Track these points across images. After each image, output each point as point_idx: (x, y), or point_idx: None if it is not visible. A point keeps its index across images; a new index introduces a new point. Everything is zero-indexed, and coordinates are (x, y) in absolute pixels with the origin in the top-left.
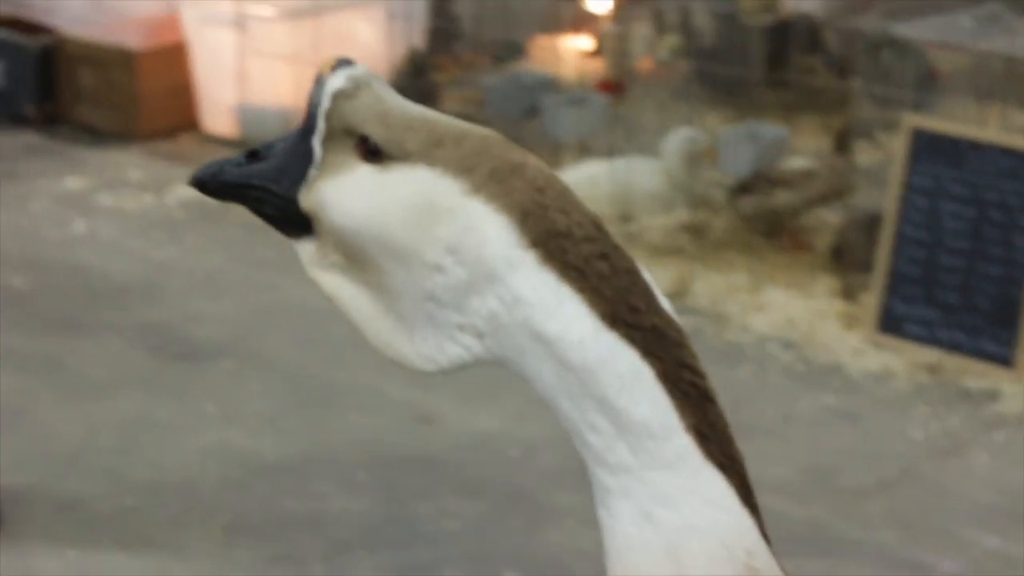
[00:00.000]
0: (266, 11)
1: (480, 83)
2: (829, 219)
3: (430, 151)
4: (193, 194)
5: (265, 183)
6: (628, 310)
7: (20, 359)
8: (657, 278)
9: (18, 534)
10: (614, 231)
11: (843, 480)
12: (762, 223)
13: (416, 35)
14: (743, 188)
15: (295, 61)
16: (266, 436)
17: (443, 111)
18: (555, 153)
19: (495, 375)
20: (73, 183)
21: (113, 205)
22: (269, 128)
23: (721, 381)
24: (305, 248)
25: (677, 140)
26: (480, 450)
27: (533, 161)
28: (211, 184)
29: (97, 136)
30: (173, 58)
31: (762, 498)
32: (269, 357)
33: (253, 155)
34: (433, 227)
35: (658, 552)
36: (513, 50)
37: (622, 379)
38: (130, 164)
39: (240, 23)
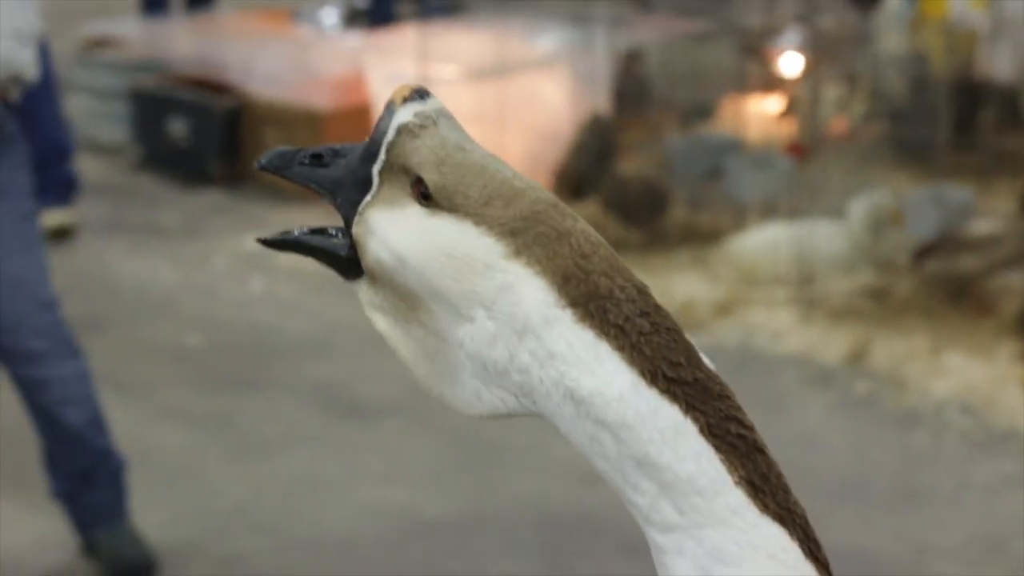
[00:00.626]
0: (450, 72)
1: (664, 144)
2: (1014, 283)
3: (479, 209)
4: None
5: (323, 191)
6: (669, 365)
7: (192, 417)
8: (836, 342)
9: None
10: (794, 294)
11: (1018, 548)
12: (946, 287)
13: (602, 96)
14: (927, 251)
15: (479, 122)
16: (429, 494)
17: (625, 171)
18: (738, 215)
19: None
20: (252, 243)
21: (291, 264)
22: None
23: (897, 446)
24: (362, 288)
25: (863, 203)
26: None
27: (582, 227)
28: (275, 173)
29: (280, 196)
30: (358, 118)
31: (935, 566)
32: (436, 415)
33: (317, 157)
34: (471, 281)
35: None
36: (702, 112)
37: (664, 435)
38: (311, 223)
39: (426, 83)
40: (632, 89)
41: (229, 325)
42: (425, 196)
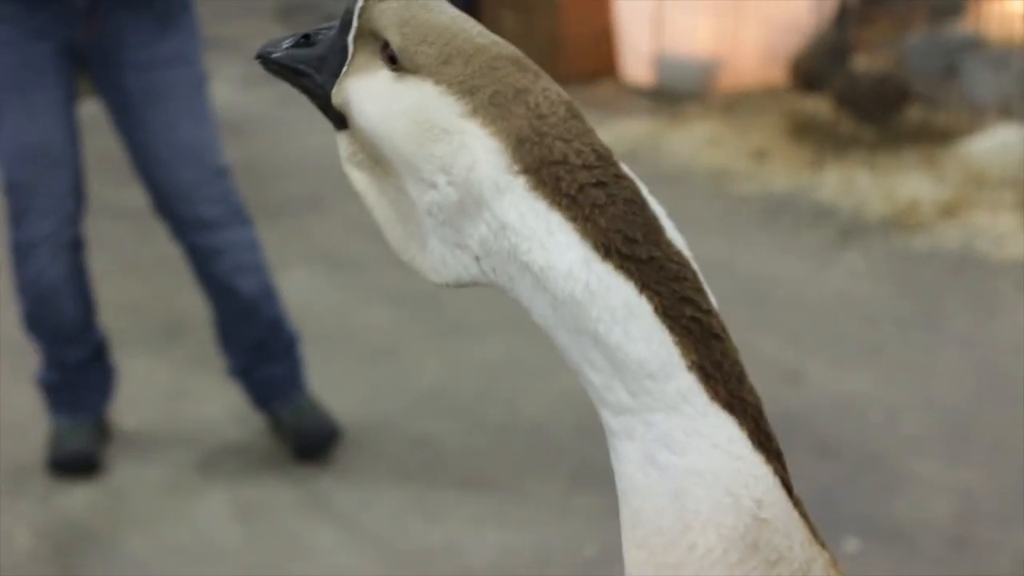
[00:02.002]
0: None
1: (903, 41)
2: None
3: (438, 67)
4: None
5: (308, 70)
6: (624, 240)
7: (400, 296)
8: None
9: (365, 464)
10: (1021, 199)
11: None
12: None
13: None
14: None
15: (714, 11)
16: None
17: (861, 67)
18: (974, 116)
19: (873, 337)
20: None
21: None
22: (686, 78)
23: None
24: (342, 142)
25: None
26: (842, 412)
27: (543, 85)
28: (264, 61)
29: None
30: (595, 4)
31: None
32: None
33: (305, 38)
34: (430, 144)
35: (662, 497)
36: (951, 8)
37: (614, 313)
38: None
39: None
40: None
41: None
42: (392, 60)
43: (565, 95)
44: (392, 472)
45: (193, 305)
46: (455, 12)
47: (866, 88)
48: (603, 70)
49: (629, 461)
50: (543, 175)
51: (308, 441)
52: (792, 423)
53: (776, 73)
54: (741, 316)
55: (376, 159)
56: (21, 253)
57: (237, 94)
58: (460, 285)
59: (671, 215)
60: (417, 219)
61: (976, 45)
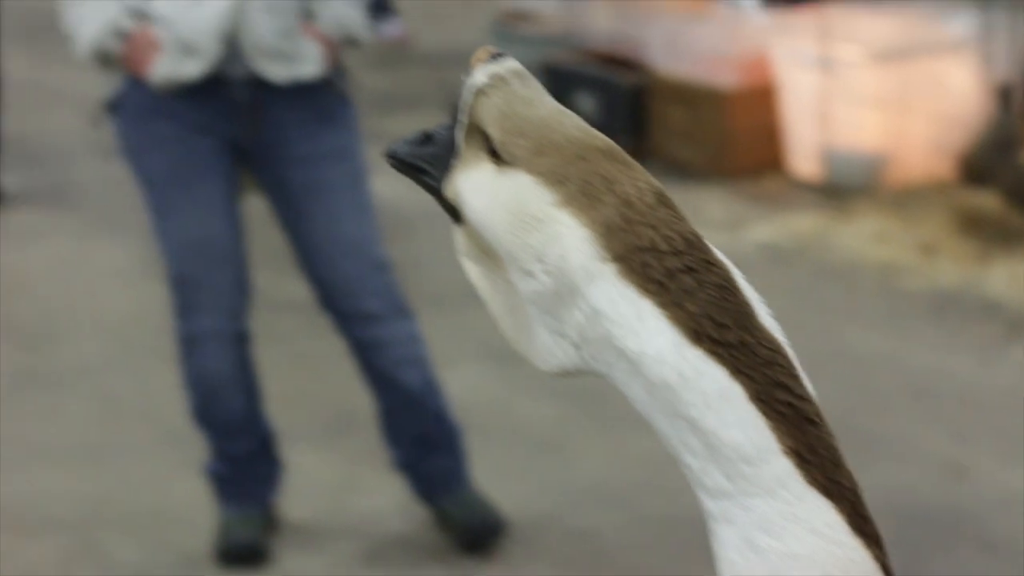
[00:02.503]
0: (853, 53)
1: None
2: None
3: (532, 159)
4: (767, 235)
5: (426, 166)
6: (714, 326)
7: (561, 389)
8: None
9: (527, 557)
10: None
11: None
12: None
13: (1016, 79)
14: None
15: (882, 106)
16: None
17: None
18: None
19: None
20: None
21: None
22: (853, 173)
23: None
24: (457, 235)
25: None
26: (1009, 508)
27: (632, 174)
28: (390, 158)
29: (684, 172)
30: (762, 99)
31: None
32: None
33: (426, 136)
34: (525, 233)
35: None
36: None
37: (707, 398)
38: (711, 201)
39: (826, 65)
40: None
41: None
42: (494, 153)
43: (655, 183)
44: (554, 565)
45: (361, 398)
46: (555, 106)
47: None
48: (770, 164)
49: (729, 545)
50: (632, 262)
51: (472, 534)
52: (958, 519)
53: (944, 167)
54: (907, 410)
55: (487, 251)
56: (187, 347)
57: (402, 188)
58: (568, 374)
59: (838, 310)
60: (524, 311)
61: None
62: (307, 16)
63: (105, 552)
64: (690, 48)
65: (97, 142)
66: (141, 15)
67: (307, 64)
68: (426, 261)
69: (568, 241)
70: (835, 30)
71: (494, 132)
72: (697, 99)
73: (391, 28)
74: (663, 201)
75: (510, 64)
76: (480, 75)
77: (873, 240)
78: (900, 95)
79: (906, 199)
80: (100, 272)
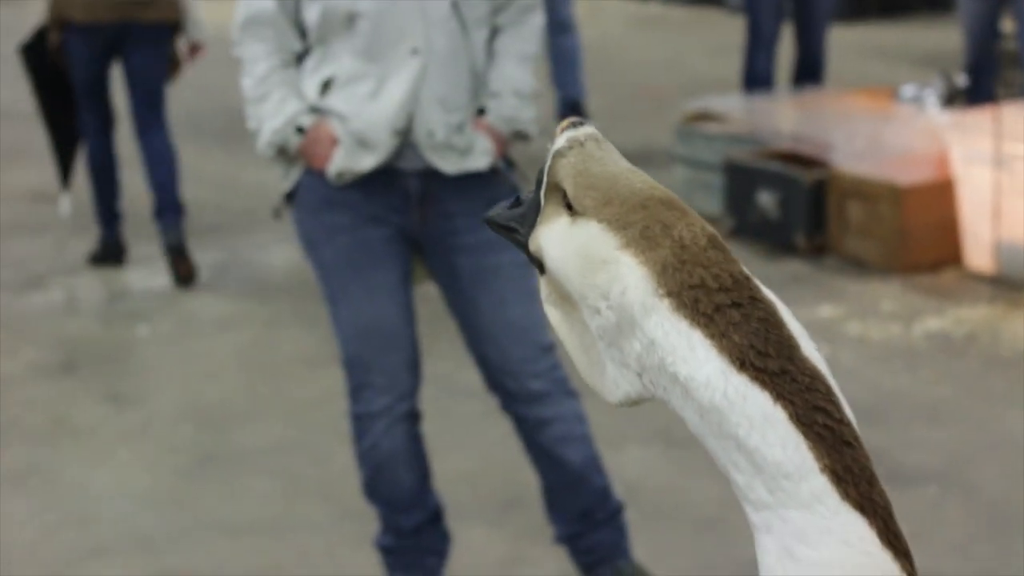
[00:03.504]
0: None
1: None
2: None
3: (600, 208)
4: (939, 326)
5: (515, 225)
6: (757, 355)
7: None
8: None
9: None
10: None
11: None
12: None
13: None
14: None
15: None
16: (951, 561)
17: None
18: None
19: None
20: (826, 311)
21: (859, 333)
22: None
23: None
24: (541, 284)
25: None
26: None
27: (687, 220)
28: (486, 222)
29: (861, 268)
30: (940, 194)
31: None
32: (975, 486)
33: (517, 200)
34: (592, 274)
35: None
36: None
37: (752, 420)
38: (886, 295)
39: (1001, 162)
40: None
41: None
42: (569, 207)
43: (709, 228)
44: None
45: (529, 476)
46: (625, 165)
47: None
48: (947, 258)
49: (768, 552)
50: (684, 297)
51: None
52: None
53: None
54: None
55: (564, 297)
56: (360, 426)
57: None
58: (632, 402)
59: (1006, 398)
60: (596, 349)
61: None
62: (479, 111)
63: None
64: (871, 146)
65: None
66: (319, 111)
67: (478, 158)
68: None
69: (628, 279)
70: (1010, 128)
71: (568, 187)
72: (876, 195)
73: None
74: (714, 244)
75: (587, 130)
76: (561, 140)
77: None
78: None
79: None
80: (286, 359)
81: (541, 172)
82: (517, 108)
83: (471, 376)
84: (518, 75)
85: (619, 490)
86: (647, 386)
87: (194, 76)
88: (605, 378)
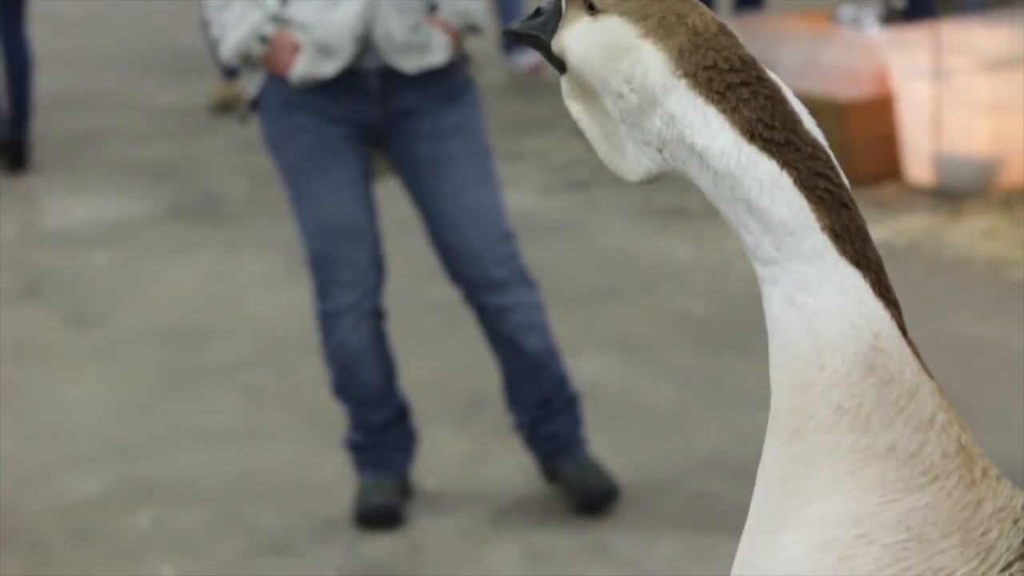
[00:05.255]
0: (963, 64)
1: None
2: None
3: (620, 3)
4: (882, 236)
5: (537, 33)
6: (764, 127)
7: (685, 375)
8: None
9: (643, 517)
10: None
11: None
12: None
13: None
14: None
15: (993, 111)
16: None
17: None
18: None
19: None
20: None
21: None
22: (966, 177)
23: None
24: (563, 82)
25: None
26: None
27: (700, 11)
28: (508, 32)
29: None
30: (879, 108)
31: None
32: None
33: (537, 12)
34: (615, 62)
35: (800, 331)
36: None
37: (762, 184)
38: None
39: (939, 76)
40: None
41: (735, 296)
42: (591, 8)
43: (717, 19)
44: (669, 524)
45: (492, 382)
46: None
47: None
48: (887, 172)
49: (774, 303)
50: (699, 77)
51: (588, 496)
52: None
53: None
54: (1011, 387)
55: (585, 90)
56: (327, 324)
57: (538, 201)
58: (652, 178)
59: (948, 301)
60: (616, 134)
61: None
62: (431, 9)
63: (250, 520)
64: (811, 65)
65: (243, 166)
66: (281, 21)
67: (435, 53)
68: (555, 264)
69: (649, 63)
70: (948, 43)
71: None
72: (817, 111)
73: (525, 58)
74: (724, 31)
75: None
76: None
77: (982, 237)
78: (1010, 101)
79: (1016, 200)
80: (246, 280)
81: None
82: (468, 2)
83: (430, 290)
84: None
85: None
86: (667, 160)
87: (144, 15)
88: (626, 158)
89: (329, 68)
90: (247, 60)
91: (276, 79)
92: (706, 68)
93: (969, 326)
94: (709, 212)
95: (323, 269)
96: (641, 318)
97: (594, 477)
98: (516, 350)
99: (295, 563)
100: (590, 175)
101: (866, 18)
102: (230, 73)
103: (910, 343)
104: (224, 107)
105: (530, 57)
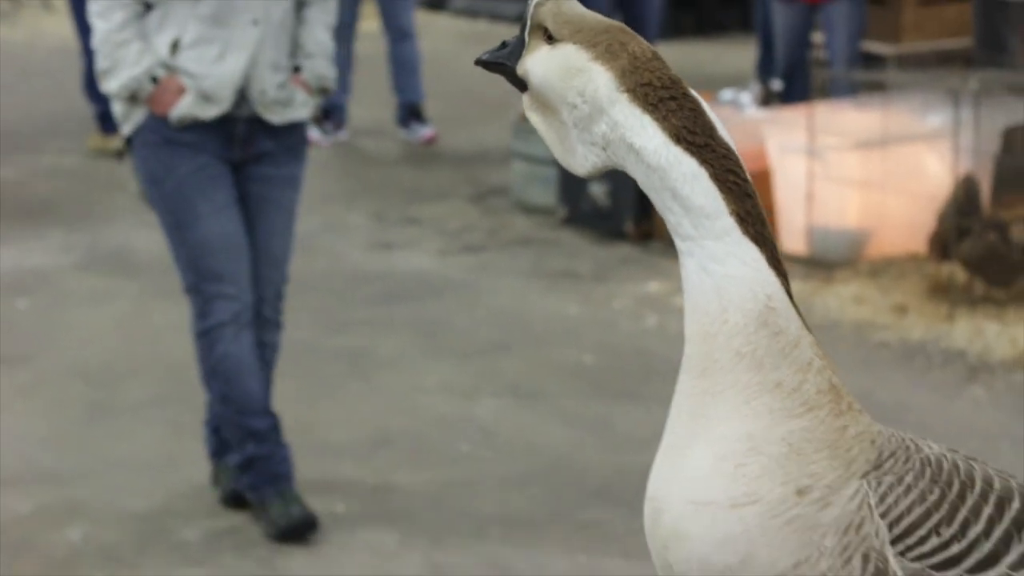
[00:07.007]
0: (836, 143)
1: None
2: None
3: (574, 34)
4: None
5: (504, 61)
6: (688, 132)
7: (576, 419)
8: None
9: (542, 544)
10: None
11: None
12: None
13: (984, 170)
14: None
15: (862, 187)
16: None
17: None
18: None
19: (992, 453)
20: (654, 287)
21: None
22: (837, 247)
23: None
24: (524, 99)
25: None
26: None
27: (638, 42)
28: (480, 63)
29: None
30: (757, 184)
31: None
32: None
33: (503, 45)
34: (571, 80)
35: (710, 292)
36: None
37: (685, 177)
38: None
39: (813, 153)
40: (1015, 166)
41: (622, 350)
42: (549, 38)
43: (652, 48)
44: (562, 547)
45: (397, 422)
46: (587, 11)
47: (991, 254)
48: None
49: (690, 270)
50: (637, 92)
51: (290, 526)
52: None
53: (917, 242)
54: None
55: (544, 104)
56: (208, 340)
57: (435, 263)
58: (598, 172)
59: None
60: (569, 138)
61: None
62: (295, 69)
63: (173, 535)
64: None
65: (150, 220)
66: (170, 67)
67: (298, 109)
68: (450, 320)
69: (599, 80)
70: (821, 124)
71: (549, 24)
72: None
73: (423, 131)
74: (657, 57)
75: None
76: None
77: (852, 302)
78: (879, 178)
79: (883, 269)
80: (160, 325)
81: (524, 18)
82: (326, 67)
83: (334, 340)
84: (326, 40)
85: (475, 436)
86: (610, 157)
87: (53, 83)
88: (576, 157)
89: (210, 112)
90: (133, 97)
91: (155, 118)
92: (643, 85)
93: None
94: (597, 275)
95: (208, 286)
96: (534, 368)
97: (298, 507)
98: (259, 384)
99: (215, 571)
100: (484, 240)
101: (745, 100)
102: (106, 124)
103: (795, 306)
104: (112, 153)
105: (426, 130)
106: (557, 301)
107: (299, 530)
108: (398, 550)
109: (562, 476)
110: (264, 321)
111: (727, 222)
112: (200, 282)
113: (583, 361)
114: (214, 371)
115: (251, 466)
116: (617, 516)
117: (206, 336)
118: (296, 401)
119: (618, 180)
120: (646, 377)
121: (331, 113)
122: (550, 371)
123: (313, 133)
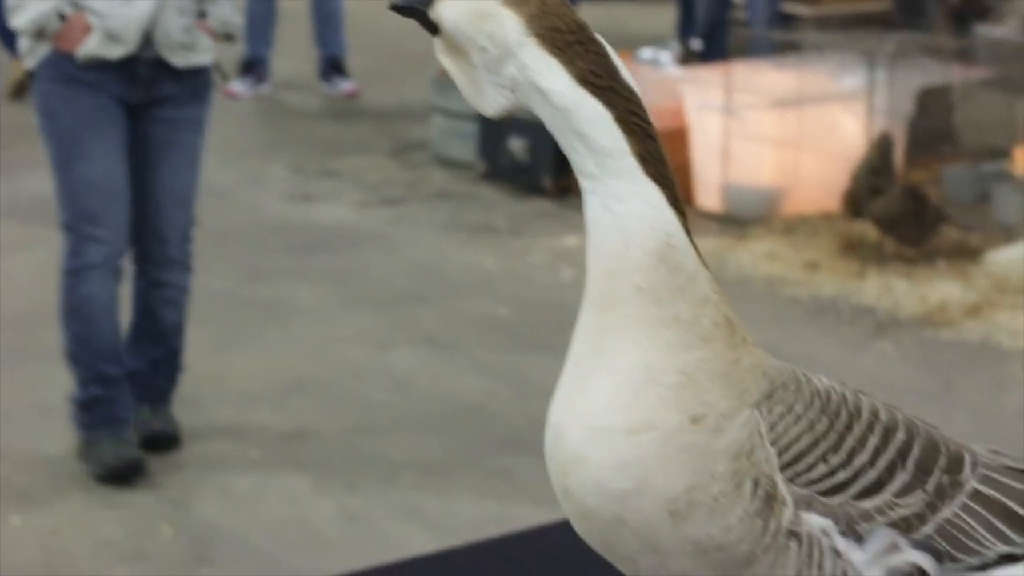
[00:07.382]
0: (752, 101)
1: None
2: None
3: None
4: None
5: (417, 6)
6: (593, 75)
7: (490, 369)
8: None
9: (454, 491)
10: None
11: None
12: None
13: (898, 131)
14: None
15: (778, 146)
16: None
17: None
18: (1006, 235)
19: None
20: (571, 241)
21: None
22: (751, 205)
23: None
24: (436, 42)
25: None
26: None
27: None
28: (394, 8)
29: None
30: (676, 139)
31: None
32: None
33: None
34: (481, 24)
35: (611, 229)
36: (996, 155)
37: (589, 118)
38: None
39: (730, 111)
40: (928, 127)
41: (537, 303)
42: None
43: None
44: (473, 493)
45: (312, 369)
46: None
47: (903, 209)
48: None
49: (594, 208)
50: (545, 37)
51: (155, 434)
52: None
53: (831, 201)
54: None
55: (455, 48)
56: (75, 279)
57: (354, 214)
58: (506, 113)
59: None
60: (479, 80)
61: (1007, 176)
62: (201, 15)
63: (87, 478)
64: None
65: None
66: (77, 5)
67: (202, 54)
68: (368, 271)
69: (508, 25)
70: (739, 82)
71: None
72: None
73: (344, 85)
74: (564, 4)
75: None
76: None
77: (765, 258)
78: (794, 137)
79: (796, 227)
80: None
81: None
82: (231, 13)
83: (252, 289)
84: None
85: (390, 385)
86: (519, 98)
87: None
88: (486, 98)
89: (115, 52)
90: (40, 33)
91: (60, 54)
92: (550, 29)
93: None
94: (514, 229)
95: (83, 226)
96: (449, 319)
97: (166, 423)
98: (152, 318)
99: (128, 513)
100: (403, 193)
101: (664, 58)
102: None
103: (694, 244)
104: (21, 89)
105: (347, 84)
106: (474, 254)
107: (129, 469)
108: (312, 495)
109: (474, 424)
110: (170, 261)
111: (630, 162)
112: (76, 221)
113: (498, 313)
114: (76, 311)
115: (92, 407)
116: (528, 464)
117: (74, 275)
118: (212, 349)
119: (537, 136)
120: (560, 329)
121: (253, 66)
122: (465, 322)
123: (236, 85)
